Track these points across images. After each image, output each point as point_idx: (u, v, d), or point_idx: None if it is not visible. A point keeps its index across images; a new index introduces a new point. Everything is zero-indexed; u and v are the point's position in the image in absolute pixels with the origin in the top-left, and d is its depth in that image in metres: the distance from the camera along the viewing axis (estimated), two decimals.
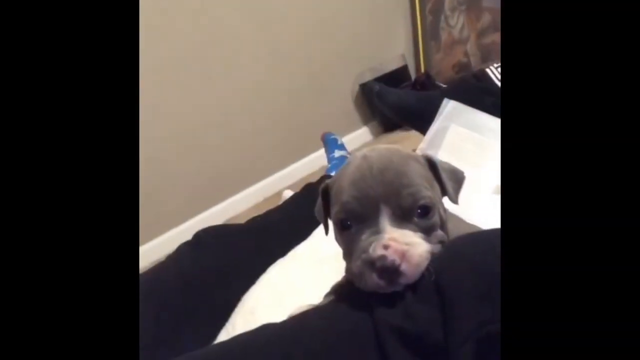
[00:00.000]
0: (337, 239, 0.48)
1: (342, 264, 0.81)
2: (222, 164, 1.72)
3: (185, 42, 1.54)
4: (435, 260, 0.39)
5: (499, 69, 1.24)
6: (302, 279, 0.80)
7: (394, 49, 2.03)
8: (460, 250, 0.39)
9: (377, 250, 0.39)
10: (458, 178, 0.49)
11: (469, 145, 0.85)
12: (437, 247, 0.42)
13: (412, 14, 2.05)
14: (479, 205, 0.73)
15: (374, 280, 0.39)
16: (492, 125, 0.86)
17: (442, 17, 1.92)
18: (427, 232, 0.42)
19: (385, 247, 0.39)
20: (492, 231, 0.41)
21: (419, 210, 0.42)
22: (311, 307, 0.47)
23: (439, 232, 0.44)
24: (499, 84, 1.22)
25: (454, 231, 0.47)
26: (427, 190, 0.42)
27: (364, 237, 0.41)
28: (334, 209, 0.46)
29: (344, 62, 1.92)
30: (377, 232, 0.40)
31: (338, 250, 0.85)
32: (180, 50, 1.53)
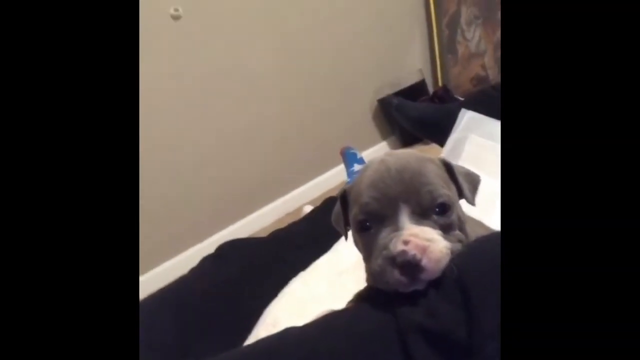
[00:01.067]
0: (356, 242, 0.49)
1: (363, 274, 0.82)
2: (244, 181, 1.75)
3: (209, 64, 1.58)
4: (458, 258, 0.39)
5: None
6: (323, 291, 0.81)
7: (411, 64, 2.04)
8: (483, 248, 0.39)
9: (397, 246, 0.39)
10: (474, 180, 0.49)
11: (489, 155, 0.85)
12: (457, 246, 0.42)
13: (428, 28, 2.07)
14: (499, 214, 0.73)
15: (395, 276, 0.39)
16: None
17: (459, 31, 1.93)
18: (445, 230, 0.42)
19: (406, 242, 0.39)
20: None
21: (437, 208, 0.42)
22: (334, 311, 0.48)
23: (457, 232, 0.44)
24: None
25: (473, 235, 0.47)
26: (444, 189, 0.43)
27: (383, 235, 0.42)
28: (353, 212, 0.46)
29: (362, 78, 1.95)
30: (397, 229, 0.41)
31: (359, 261, 0.86)
32: (204, 71, 1.57)
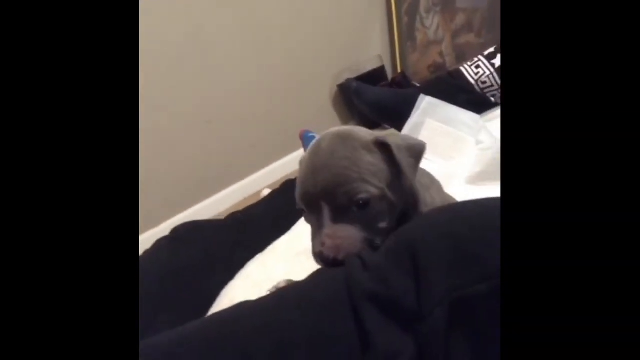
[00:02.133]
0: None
1: None
2: (201, 165, 1.71)
3: (164, 41, 1.53)
4: (411, 227, 0.41)
5: (473, 67, 1.27)
6: (280, 272, 0.81)
7: (371, 50, 2.05)
8: (433, 220, 0.41)
9: (316, 248, 0.46)
10: (416, 152, 0.49)
11: (444, 139, 0.87)
12: (377, 239, 0.46)
13: (388, 15, 2.08)
14: (454, 195, 0.75)
15: (323, 266, 0.46)
16: (465, 119, 0.88)
17: (418, 18, 1.95)
18: (368, 222, 0.46)
19: (322, 244, 0.45)
20: (462, 203, 0.43)
21: (355, 206, 0.46)
22: (289, 282, 0.48)
23: (381, 222, 0.47)
24: (472, 81, 1.25)
25: (437, 198, 0.51)
26: (365, 184, 0.45)
27: (313, 227, 0.48)
28: (296, 196, 0.51)
29: (322, 63, 1.94)
30: (320, 226, 0.46)
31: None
32: (159, 49, 1.52)
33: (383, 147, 0.48)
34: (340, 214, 0.46)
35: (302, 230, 0.93)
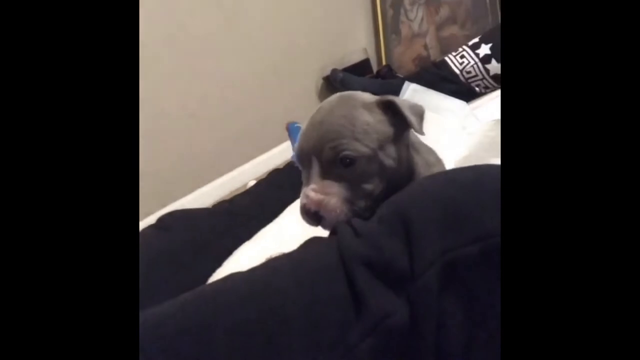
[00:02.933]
0: None
1: None
2: (187, 158, 1.70)
3: (147, 35, 1.51)
4: (402, 195, 0.41)
5: (457, 57, 1.28)
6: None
7: (356, 43, 2.05)
8: (425, 187, 0.41)
9: (302, 199, 0.48)
10: (418, 111, 0.50)
11: (429, 125, 0.87)
12: (361, 200, 0.47)
13: (373, 8, 2.09)
14: None
15: (306, 220, 0.48)
16: (448, 105, 0.89)
17: (402, 11, 1.96)
18: (353, 182, 0.47)
19: (307, 196, 0.47)
20: (456, 169, 0.44)
21: (341, 163, 0.47)
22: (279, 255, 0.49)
23: (367, 184, 0.48)
24: (457, 70, 1.26)
25: (428, 167, 0.53)
26: (354, 142, 0.46)
27: (303, 182, 0.50)
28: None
29: (307, 56, 1.94)
30: (308, 182, 0.48)
31: (303, 232, 0.87)
32: (141, 43, 1.50)
33: (387, 107, 0.49)
34: (328, 171, 0.47)
35: (289, 219, 0.93)
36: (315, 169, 0.47)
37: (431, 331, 0.34)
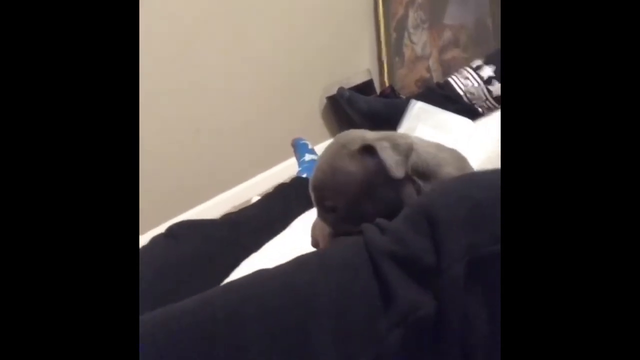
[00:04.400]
0: None
1: None
2: (190, 173, 1.71)
3: (154, 51, 1.54)
4: (426, 196, 0.42)
5: (461, 79, 1.31)
6: None
7: (360, 64, 2.09)
8: (448, 187, 0.42)
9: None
10: (403, 150, 0.52)
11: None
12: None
13: (377, 31, 2.13)
14: None
15: None
16: (455, 123, 0.91)
17: (406, 34, 2.00)
18: (335, 223, 0.54)
19: (311, 232, 0.60)
20: (477, 172, 0.46)
21: (324, 209, 0.55)
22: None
23: (348, 226, 0.52)
24: (460, 91, 1.29)
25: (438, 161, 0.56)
26: (333, 193, 0.53)
27: None
28: None
29: (311, 75, 1.97)
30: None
31: (309, 244, 0.87)
32: (148, 58, 1.53)
33: (370, 152, 0.52)
34: (321, 213, 0.56)
35: (296, 232, 0.94)
36: (316, 210, 0.56)
37: (457, 324, 0.35)
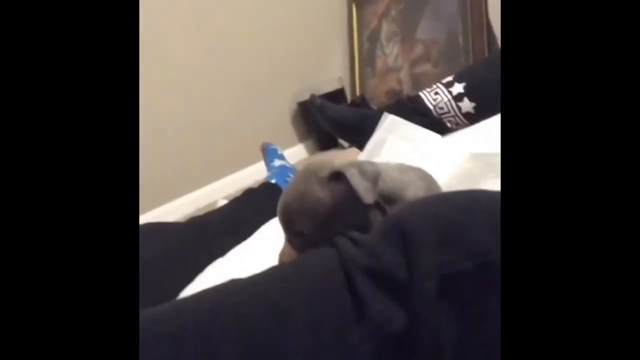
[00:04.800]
0: None
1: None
2: (153, 173, 1.67)
3: None
4: (401, 212, 0.43)
5: (432, 94, 1.34)
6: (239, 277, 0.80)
7: (331, 72, 2.11)
8: (422, 205, 0.43)
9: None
10: (371, 176, 0.53)
11: (405, 157, 0.91)
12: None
13: (349, 40, 2.15)
14: None
15: None
16: (424, 137, 0.92)
17: (379, 46, 2.03)
18: (303, 248, 0.53)
19: (279, 257, 0.56)
20: (449, 192, 0.47)
21: (293, 235, 0.55)
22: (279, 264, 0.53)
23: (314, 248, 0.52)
24: (430, 106, 1.31)
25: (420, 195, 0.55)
26: (301, 219, 0.54)
27: None
28: None
29: (283, 80, 1.97)
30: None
31: (274, 251, 0.87)
32: None
33: (340, 177, 0.53)
34: (289, 237, 0.56)
35: (262, 239, 0.93)
36: (285, 234, 0.56)
37: (428, 340, 0.36)
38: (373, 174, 0.53)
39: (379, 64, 2.04)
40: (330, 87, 2.00)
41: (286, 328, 0.37)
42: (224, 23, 1.74)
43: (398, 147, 0.94)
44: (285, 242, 0.57)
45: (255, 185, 1.22)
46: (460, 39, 1.74)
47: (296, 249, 0.55)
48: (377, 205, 0.55)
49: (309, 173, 0.56)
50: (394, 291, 0.37)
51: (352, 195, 0.51)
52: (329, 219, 0.53)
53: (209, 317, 0.38)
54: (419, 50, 1.86)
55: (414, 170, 0.61)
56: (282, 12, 1.91)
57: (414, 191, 0.55)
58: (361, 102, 1.90)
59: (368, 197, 0.50)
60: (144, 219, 1.65)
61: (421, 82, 1.86)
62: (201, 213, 1.43)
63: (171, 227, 0.85)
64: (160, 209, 1.70)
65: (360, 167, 0.53)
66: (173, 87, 1.65)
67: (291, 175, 1.19)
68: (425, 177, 0.61)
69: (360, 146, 1.14)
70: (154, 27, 1.56)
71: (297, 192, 0.55)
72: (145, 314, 0.40)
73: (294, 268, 0.42)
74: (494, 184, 0.70)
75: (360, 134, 1.23)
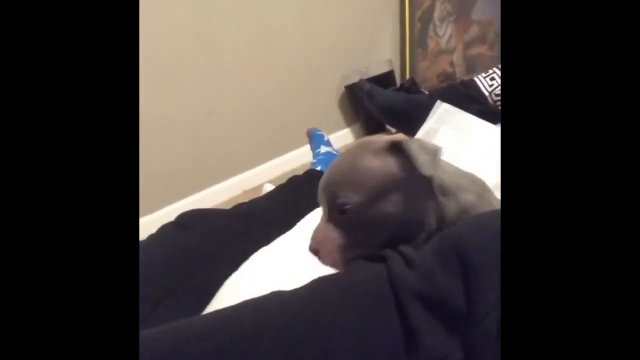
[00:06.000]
0: None
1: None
2: (201, 155, 1.70)
3: (171, 32, 1.51)
4: (460, 231, 0.40)
5: (487, 79, 1.27)
6: (285, 268, 0.80)
7: (381, 54, 2.05)
8: (483, 224, 0.40)
9: (310, 241, 0.52)
10: (431, 151, 0.49)
11: (458, 149, 0.86)
12: (357, 249, 0.48)
13: (401, 20, 2.08)
14: None
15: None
16: (481, 129, 0.87)
17: (431, 26, 1.95)
18: (347, 229, 0.49)
19: (312, 238, 0.52)
20: None
21: (336, 210, 0.48)
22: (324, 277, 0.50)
23: (364, 234, 0.48)
24: (485, 92, 1.25)
25: (477, 204, 0.51)
26: (349, 190, 0.48)
27: None
28: None
29: (331, 63, 1.93)
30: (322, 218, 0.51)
31: None
32: (166, 39, 1.51)
33: (398, 150, 0.49)
34: (331, 215, 0.50)
35: (308, 229, 0.92)
36: (324, 210, 0.51)
37: None
38: (433, 150, 0.49)
39: (431, 45, 1.96)
40: (379, 69, 1.95)
41: (333, 355, 0.34)
42: (272, 5, 1.72)
43: (451, 139, 0.90)
44: (323, 220, 0.51)
45: (301, 171, 1.21)
46: None
47: (338, 228, 0.49)
48: (431, 193, 0.51)
49: (362, 144, 0.52)
50: (450, 321, 0.34)
51: (407, 169, 0.48)
52: (378, 195, 0.48)
53: (250, 337, 0.36)
54: (474, 31, 1.77)
55: (466, 176, 0.56)
56: None
57: (467, 196, 0.51)
58: (411, 86, 1.84)
59: (427, 169, 0.46)
60: (191, 200, 1.69)
61: (475, 65, 1.78)
62: (248, 195, 1.45)
63: (217, 214, 0.86)
64: (207, 191, 1.73)
65: (420, 141, 0.50)
66: (220, 70, 1.66)
67: None
68: (478, 184, 0.56)
69: (409, 133, 1.10)
70: (202, 9, 1.56)
71: (346, 162, 0.50)
72: (183, 325, 0.38)
73: (339, 286, 0.40)
74: None
75: (410, 121, 1.19)
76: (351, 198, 0.47)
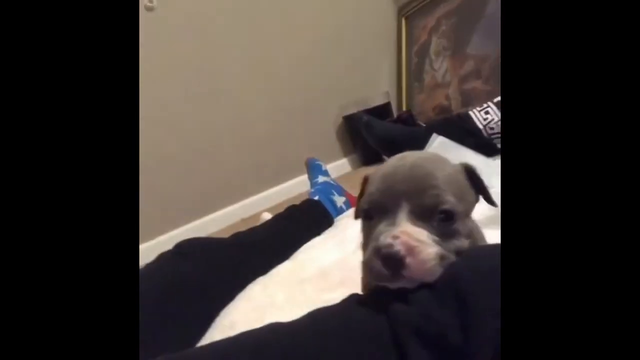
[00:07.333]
0: (361, 228, 0.47)
1: (324, 284, 0.81)
2: (202, 182, 1.71)
3: (176, 60, 1.55)
4: (454, 266, 0.40)
5: (482, 113, 1.30)
6: (282, 297, 0.80)
7: (378, 86, 2.09)
8: (478, 258, 0.40)
9: (386, 239, 0.39)
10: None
11: None
12: (451, 256, 0.41)
13: (398, 54, 2.13)
14: None
15: (377, 267, 0.39)
16: (476, 162, 0.89)
17: (427, 61, 2.00)
18: (444, 237, 0.41)
19: (395, 237, 0.39)
20: (499, 244, 0.43)
21: (440, 215, 0.41)
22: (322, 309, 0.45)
23: (458, 242, 0.42)
24: (480, 126, 1.27)
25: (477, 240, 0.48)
26: (452, 197, 0.41)
27: (380, 227, 0.41)
28: (362, 199, 0.46)
29: (329, 93, 1.97)
30: (393, 224, 0.40)
31: (320, 271, 0.85)
32: (171, 68, 1.54)
33: (468, 173, 0.46)
34: (420, 218, 0.41)
35: (305, 259, 0.92)
36: (404, 213, 0.40)
37: None
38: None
39: (427, 79, 2.01)
40: (376, 101, 1.99)
41: None
42: (272, 36, 1.76)
43: None
44: (404, 222, 0.40)
45: (298, 200, 1.22)
46: None
47: (429, 231, 0.40)
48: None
49: (429, 156, 0.45)
50: (448, 355, 0.35)
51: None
52: (470, 211, 0.45)
53: None
54: (469, 65, 1.81)
55: None
56: (330, 26, 1.92)
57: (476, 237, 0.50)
58: (408, 118, 1.87)
59: (495, 201, 0.44)
60: (189, 227, 1.69)
61: (470, 99, 1.82)
62: (246, 223, 1.45)
63: (216, 243, 0.86)
64: (207, 218, 1.74)
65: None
66: (221, 98, 1.69)
67: (335, 193, 1.18)
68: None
69: None
70: (205, 37, 1.60)
71: (437, 169, 0.42)
72: (180, 358, 0.39)
73: (338, 322, 0.40)
74: None
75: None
76: (457, 207, 0.41)
